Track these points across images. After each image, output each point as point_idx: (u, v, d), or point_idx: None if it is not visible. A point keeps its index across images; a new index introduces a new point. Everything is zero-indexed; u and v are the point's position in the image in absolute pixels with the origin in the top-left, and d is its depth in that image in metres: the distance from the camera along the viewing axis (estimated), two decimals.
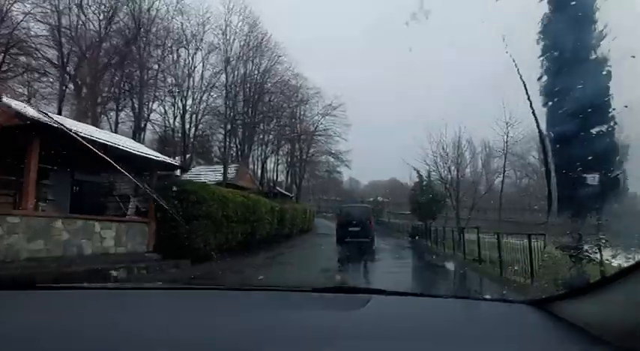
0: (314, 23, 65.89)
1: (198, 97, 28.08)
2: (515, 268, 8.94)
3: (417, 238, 24.00)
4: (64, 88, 21.91)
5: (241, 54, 28.66)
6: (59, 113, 15.58)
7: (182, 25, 27.63)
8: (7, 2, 19.67)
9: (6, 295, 1.51)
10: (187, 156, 29.75)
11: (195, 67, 28.31)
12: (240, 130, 30.19)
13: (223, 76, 27.88)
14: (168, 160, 13.15)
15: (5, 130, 8.17)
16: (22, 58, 21.51)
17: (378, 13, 67.38)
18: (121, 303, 1.50)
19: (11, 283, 1.79)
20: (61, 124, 8.99)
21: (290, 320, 1.27)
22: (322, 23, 68.02)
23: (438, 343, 1.09)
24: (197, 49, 28.07)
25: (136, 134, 25.04)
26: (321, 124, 39.87)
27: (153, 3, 25.47)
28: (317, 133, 39.76)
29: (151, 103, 27.64)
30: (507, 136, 16.75)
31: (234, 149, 32.61)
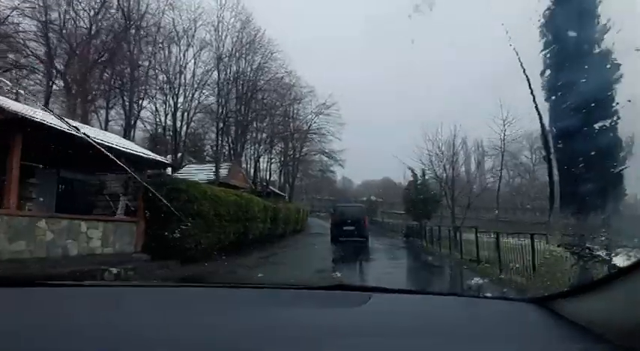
0: (306, 22, 65.66)
1: (190, 95, 27.67)
2: (517, 266, 8.78)
3: (411, 237, 23.83)
4: (51, 84, 21.37)
5: (234, 51, 28.24)
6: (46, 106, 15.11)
7: (173, 21, 27.24)
8: None
9: (4, 292, 1.49)
10: (179, 155, 29.34)
11: (186, 64, 27.91)
12: (232, 129, 29.78)
13: (215, 73, 27.48)
14: (158, 157, 12.82)
15: None
16: (11, 56, 20.99)
17: (372, 13, 67.31)
18: (121, 301, 1.48)
19: (9, 280, 1.74)
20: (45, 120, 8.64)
21: (291, 318, 1.26)
22: (314, 22, 67.81)
23: (439, 341, 1.08)
24: (189, 45, 27.67)
25: (127, 132, 24.57)
26: (315, 123, 39.68)
27: None
28: (310, 132, 39.49)
29: (141, 101, 27.15)
30: (504, 133, 16.62)
31: (227, 148, 32.27)
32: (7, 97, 11.47)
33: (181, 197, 11.54)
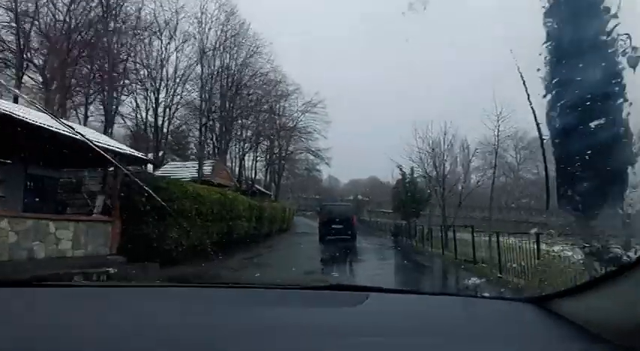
0: (292, 17, 64.83)
1: (172, 90, 26.71)
2: (514, 265, 8.42)
3: (400, 237, 23.45)
4: (21, 75, 20.27)
5: (217, 44, 27.31)
6: (15, 102, 14.15)
7: (154, 12, 26.18)
8: None
9: (1, 292, 1.50)
10: (161, 152, 28.36)
11: (168, 57, 26.91)
12: (217, 125, 28.93)
13: (199, 67, 26.55)
14: (136, 153, 12.02)
15: None
16: None
17: (363, 11, 66.93)
18: (117, 301, 1.48)
19: (5, 280, 1.76)
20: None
21: (288, 318, 1.26)
22: (299, 18, 67.03)
23: (436, 341, 1.08)
24: (171, 38, 26.66)
25: (107, 128, 23.56)
26: (301, 121, 39.14)
27: None
28: (297, 130, 38.90)
29: (121, 95, 26.10)
30: (498, 129, 16.35)
31: (212, 145, 31.41)
32: None
33: (160, 195, 10.84)
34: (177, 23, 27.03)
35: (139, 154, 12.03)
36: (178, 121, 31.48)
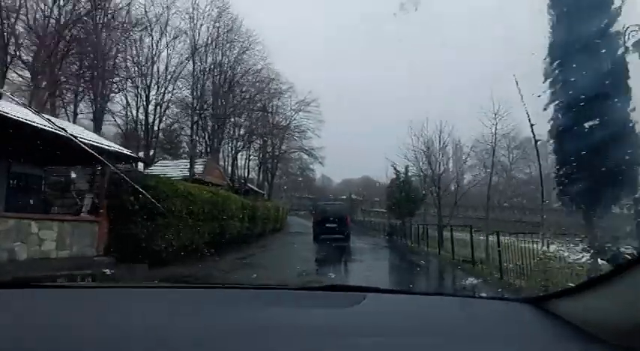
0: (285, 16, 64.34)
1: (163, 87, 26.18)
2: (511, 265, 8.19)
3: (395, 236, 23.21)
4: (5, 70, 19.68)
5: (210, 40, 26.76)
6: None
7: (145, 7, 25.61)
8: None
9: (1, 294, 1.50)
10: (153, 150, 27.86)
11: (160, 54, 26.35)
12: (209, 123, 28.42)
13: (190, 64, 26.00)
14: (123, 150, 11.62)
15: None
16: None
17: (355, 11, 66.60)
18: (115, 302, 1.47)
19: (4, 282, 1.82)
20: None
21: (285, 319, 1.25)
22: (293, 16, 66.59)
23: (434, 341, 1.08)
24: (162, 33, 26.10)
25: (96, 125, 23.02)
26: (295, 119, 38.83)
27: None
28: (290, 129, 38.58)
29: (111, 92, 25.52)
30: (496, 128, 16.13)
31: (204, 144, 30.92)
32: None
33: (149, 194, 10.47)
34: (168, 19, 26.53)
35: (127, 152, 11.62)
36: (170, 120, 31.03)
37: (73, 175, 13.04)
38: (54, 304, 1.40)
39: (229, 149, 33.55)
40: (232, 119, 30.34)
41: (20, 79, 22.55)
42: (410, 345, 1.06)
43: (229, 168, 32.80)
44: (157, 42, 25.97)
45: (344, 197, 43.93)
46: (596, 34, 6.40)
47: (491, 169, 15.93)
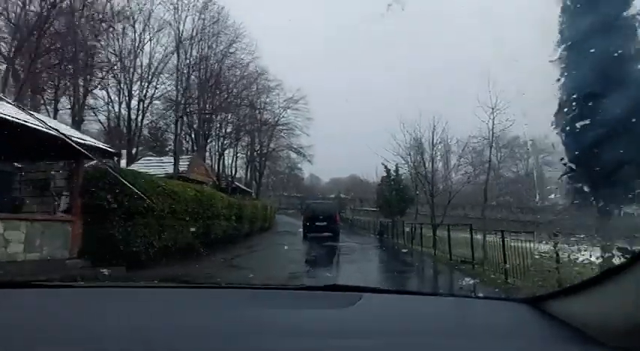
0: (274, 11, 63.35)
1: (147, 81, 25.25)
2: (508, 267, 7.75)
3: (385, 236, 22.80)
4: None
5: (195, 32, 25.83)
6: None
7: None
8: None
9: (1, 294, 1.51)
10: (136, 148, 26.91)
11: (143, 46, 25.39)
12: (195, 119, 27.55)
13: (175, 57, 25.07)
14: (99, 144, 10.84)
15: None
16: None
17: (346, 7, 66.03)
18: (116, 301, 1.47)
19: (4, 282, 1.78)
20: None
21: (282, 318, 1.26)
22: (283, 12, 65.78)
23: (430, 341, 1.08)
24: (145, 25, 25.12)
25: (75, 120, 22.03)
26: (283, 117, 38.20)
27: None
28: (278, 126, 37.95)
29: (90, 84, 24.49)
30: (493, 122, 15.71)
31: (190, 142, 30.05)
32: None
33: (128, 192, 9.77)
34: (151, 9, 25.53)
35: (103, 145, 10.83)
36: (155, 116, 30.10)
37: (53, 173, 12.31)
38: (54, 304, 1.40)
39: (216, 147, 32.79)
40: (219, 116, 29.52)
41: None
42: (407, 345, 1.05)
43: (216, 166, 31.99)
44: (140, 34, 25.08)
45: (333, 196, 43.81)
46: (611, 17, 6.01)
47: (489, 165, 15.62)
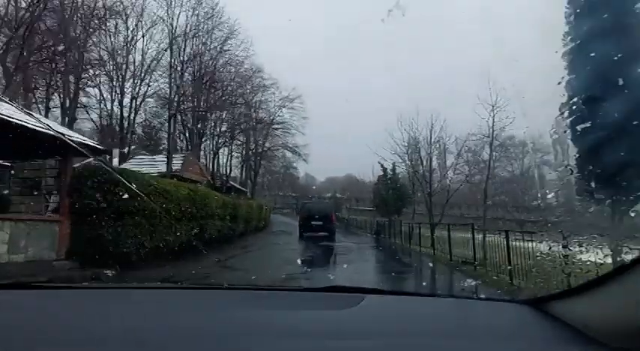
0: (269, 9, 63.01)
1: (139, 78, 24.79)
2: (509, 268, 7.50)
3: (382, 235, 22.55)
4: None
5: (189, 28, 25.34)
6: None
7: None
8: None
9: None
10: (128, 147, 26.44)
11: (135, 42, 24.92)
12: (189, 116, 27.11)
13: (168, 53, 24.59)
14: (88, 141, 10.47)
15: None
16: None
17: (343, 6, 65.71)
18: (113, 302, 1.49)
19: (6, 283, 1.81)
20: None
21: (284, 320, 1.26)
22: (278, 10, 65.33)
23: (432, 342, 1.09)
24: (138, 20, 24.64)
25: (65, 117, 21.58)
26: (279, 116, 37.92)
27: None
28: (274, 125, 37.63)
29: (81, 81, 24.01)
30: (493, 120, 15.49)
31: (184, 141, 29.61)
32: None
33: (118, 190, 9.43)
34: (144, 5, 25.03)
35: (92, 143, 10.46)
36: (148, 114, 29.67)
37: (41, 171, 11.95)
38: (52, 305, 1.39)
39: (211, 146, 32.39)
40: (213, 114, 29.10)
41: None
42: (409, 346, 1.06)
43: (210, 165, 31.61)
44: (133, 30, 24.62)
45: (328, 195, 43.66)
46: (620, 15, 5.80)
47: (490, 162, 15.36)
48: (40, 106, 24.69)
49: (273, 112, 37.26)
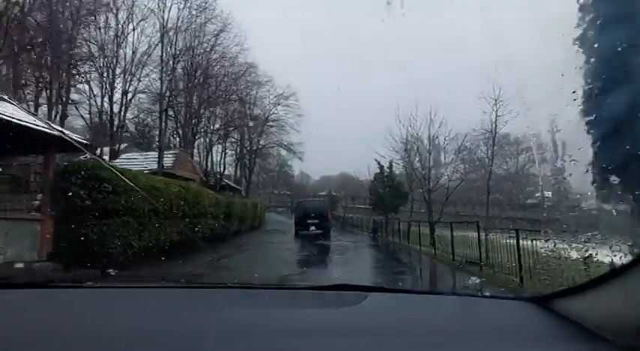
0: (262, 4, 62.18)
1: (130, 73, 24.16)
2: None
3: (379, 234, 22.19)
4: None
5: (181, 21, 24.69)
6: None
7: None
8: None
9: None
10: (120, 143, 25.81)
11: (126, 35, 24.25)
12: (181, 113, 26.51)
13: (160, 47, 23.95)
14: (73, 136, 9.90)
15: None
16: None
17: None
18: (117, 301, 1.47)
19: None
20: None
21: (287, 318, 1.25)
22: (271, 5, 64.48)
23: (437, 339, 1.08)
24: (129, 13, 23.98)
25: (51, 112, 20.93)
26: (274, 113, 37.47)
27: None
28: (268, 122, 37.15)
29: (74, 81, 23.39)
30: (497, 114, 15.12)
31: (177, 138, 29.02)
32: None
33: (104, 187, 8.92)
34: None
35: (76, 137, 9.89)
36: (142, 112, 29.04)
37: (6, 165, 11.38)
38: (55, 305, 1.38)
39: (204, 143, 31.81)
40: (206, 110, 28.50)
41: None
42: (413, 344, 1.04)
43: (204, 162, 31.05)
44: (123, 24, 23.97)
45: (324, 194, 43.39)
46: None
47: (491, 159, 15.02)
48: (29, 103, 24.07)
49: (267, 110, 36.85)
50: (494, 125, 15.42)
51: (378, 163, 24.71)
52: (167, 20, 23.67)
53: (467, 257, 9.80)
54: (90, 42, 23.14)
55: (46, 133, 8.31)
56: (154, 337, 1.06)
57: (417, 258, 12.90)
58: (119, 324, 1.14)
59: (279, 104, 37.17)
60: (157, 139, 29.65)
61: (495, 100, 15.22)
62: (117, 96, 24.82)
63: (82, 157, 10.02)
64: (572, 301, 1.20)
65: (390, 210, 23.44)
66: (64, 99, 23.79)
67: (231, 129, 32.14)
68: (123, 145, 27.09)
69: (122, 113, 24.77)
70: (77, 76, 24.18)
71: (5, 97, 8.93)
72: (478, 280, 7.18)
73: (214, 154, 33.13)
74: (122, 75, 24.27)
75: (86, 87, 24.87)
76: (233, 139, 35.44)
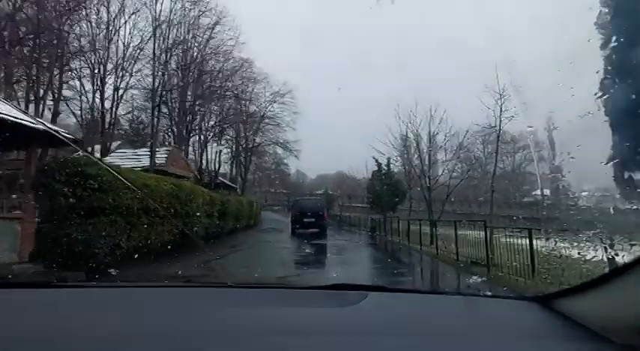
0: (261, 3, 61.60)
1: (122, 68, 23.60)
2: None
3: (378, 233, 21.79)
4: None
5: (173, 13, 24.16)
6: None
7: None
8: None
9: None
10: (112, 139, 25.26)
11: (118, 29, 23.67)
12: (175, 108, 25.94)
13: (152, 42, 23.39)
14: (62, 132, 9.39)
15: None
16: None
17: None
18: (117, 301, 1.46)
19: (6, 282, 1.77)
20: None
21: (287, 318, 1.25)
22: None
23: (438, 339, 1.07)
24: (121, 6, 23.39)
25: (37, 107, 20.35)
26: (270, 111, 37.02)
27: None
28: (264, 120, 36.68)
29: (66, 77, 22.82)
30: (501, 109, 14.75)
31: (171, 135, 28.49)
32: None
33: (89, 185, 8.44)
34: None
35: (63, 132, 9.38)
36: (135, 109, 28.49)
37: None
38: (55, 304, 1.37)
39: (199, 140, 31.28)
40: (201, 107, 27.94)
41: None
42: (414, 344, 1.04)
43: (199, 160, 30.54)
44: (115, 17, 23.39)
45: (320, 192, 43.01)
46: None
47: (496, 155, 14.69)
48: (20, 101, 23.50)
49: (263, 107, 36.39)
50: (499, 120, 14.97)
51: (376, 161, 24.35)
52: (160, 13, 23.15)
53: (471, 257, 9.41)
54: (81, 36, 22.56)
55: (28, 126, 7.81)
56: (152, 336, 1.06)
57: (418, 258, 12.49)
58: (118, 324, 1.14)
59: (275, 101, 36.80)
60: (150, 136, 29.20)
61: (500, 95, 14.82)
62: (109, 92, 24.30)
63: (75, 155, 9.56)
64: (574, 300, 1.19)
65: (388, 208, 23.06)
66: (55, 95, 23.28)
67: (226, 126, 31.61)
68: (116, 143, 26.60)
69: (114, 109, 24.19)
70: (69, 73, 23.58)
71: None
72: (480, 280, 6.81)
73: (209, 152, 32.70)
74: (114, 70, 23.71)
75: (77, 83, 24.40)
76: (228, 137, 35.01)
